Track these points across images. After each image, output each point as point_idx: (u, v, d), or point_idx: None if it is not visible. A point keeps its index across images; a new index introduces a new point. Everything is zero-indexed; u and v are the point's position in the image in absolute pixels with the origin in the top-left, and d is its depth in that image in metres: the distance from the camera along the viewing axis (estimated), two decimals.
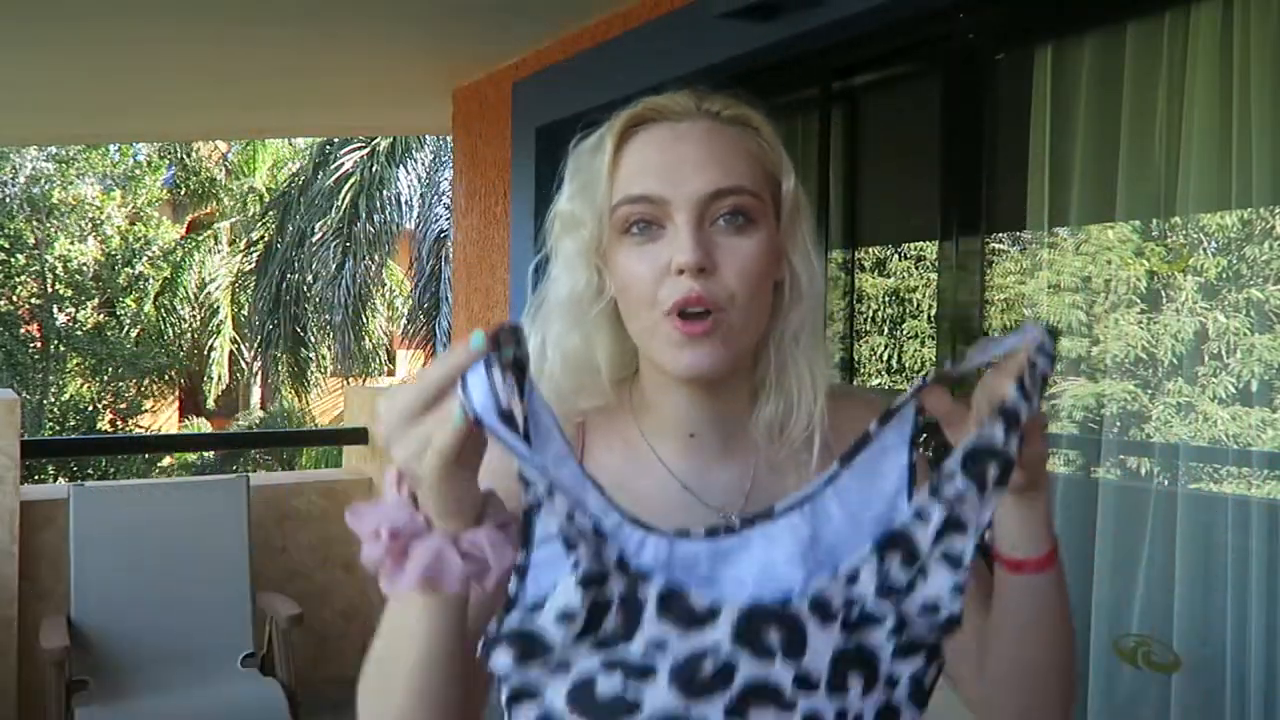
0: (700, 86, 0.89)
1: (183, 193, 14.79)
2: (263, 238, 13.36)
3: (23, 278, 13.12)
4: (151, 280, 13.88)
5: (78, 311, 13.48)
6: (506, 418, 0.62)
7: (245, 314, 13.91)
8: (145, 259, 13.88)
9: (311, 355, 12.99)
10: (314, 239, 12.24)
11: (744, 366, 0.90)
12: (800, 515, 0.73)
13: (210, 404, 14.23)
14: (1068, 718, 0.87)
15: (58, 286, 13.26)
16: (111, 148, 13.68)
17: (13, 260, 13.00)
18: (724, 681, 0.66)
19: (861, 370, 7.60)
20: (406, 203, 12.33)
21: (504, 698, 0.67)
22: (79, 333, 13.26)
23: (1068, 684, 0.86)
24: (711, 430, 0.90)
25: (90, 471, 10.99)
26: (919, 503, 0.70)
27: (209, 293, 13.91)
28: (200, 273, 13.99)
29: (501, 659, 0.65)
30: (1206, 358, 2.40)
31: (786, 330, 0.89)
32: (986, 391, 0.74)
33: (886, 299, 9.89)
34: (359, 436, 4.32)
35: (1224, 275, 2.47)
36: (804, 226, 0.89)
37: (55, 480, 10.33)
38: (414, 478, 0.64)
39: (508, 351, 0.63)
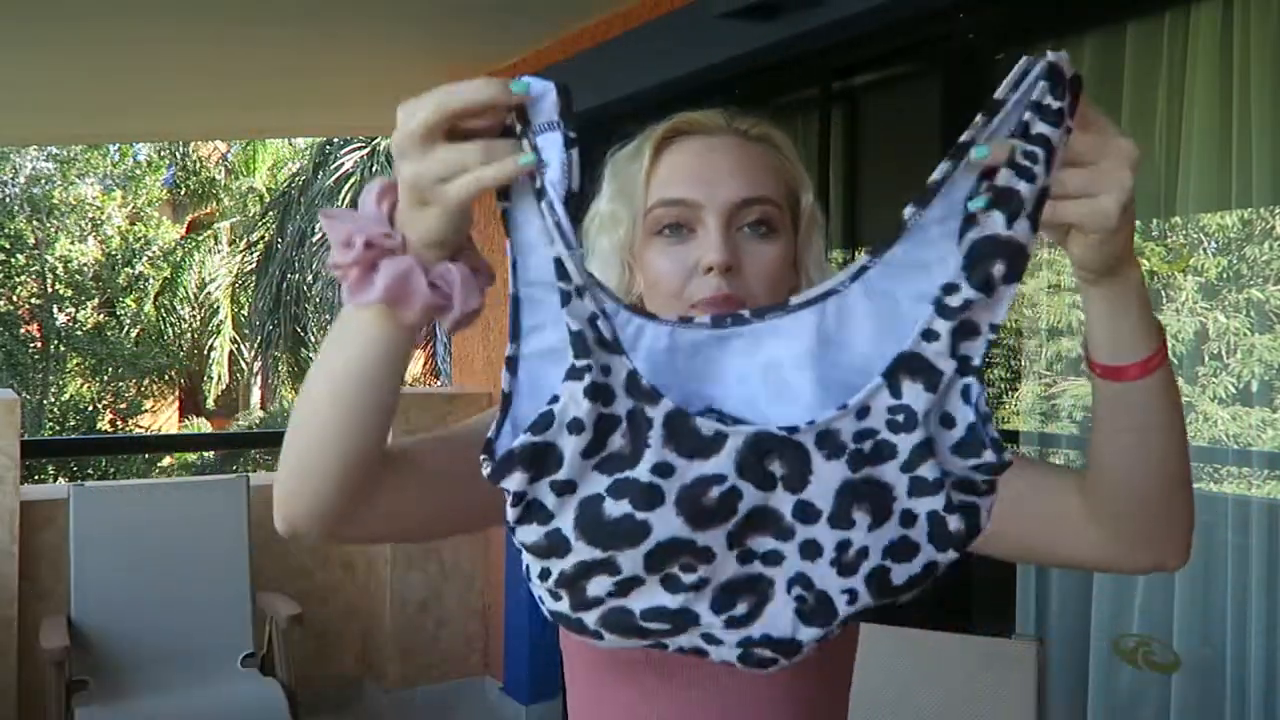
0: (730, 107, 0.96)
1: (183, 193, 14.78)
2: (263, 238, 13.36)
3: (23, 278, 13.11)
4: (151, 280, 13.87)
5: (78, 311, 13.47)
6: (568, 201, 0.61)
7: (245, 314, 13.90)
8: (145, 259, 13.87)
9: (311, 355, 12.97)
10: (314, 239, 12.23)
11: None
12: (816, 312, 0.68)
13: (210, 404, 14.22)
14: (1189, 535, 0.82)
15: (58, 286, 13.26)
16: (111, 148, 13.68)
17: (13, 260, 12.99)
18: (728, 509, 0.64)
19: None
20: None
21: (511, 519, 0.65)
22: (79, 333, 13.26)
23: (1188, 499, 0.81)
24: None
25: (90, 471, 10.98)
26: (924, 323, 0.65)
27: (209, 293, 13.91)
28: (200, 273, 13.99)
29: (515, 474, 0.63)
30: (1206, 358, 2.40)
31: None
32: (1102, 179, 0.64)
33: None
34: None
35: (1224, 275, 2.47)
36: (819, 238, 0.95)
37: (55, 480, 10.32)
38: (425, 196, 0.63)
39: (572, 127, 0.61)
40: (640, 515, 0.63)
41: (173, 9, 3.36)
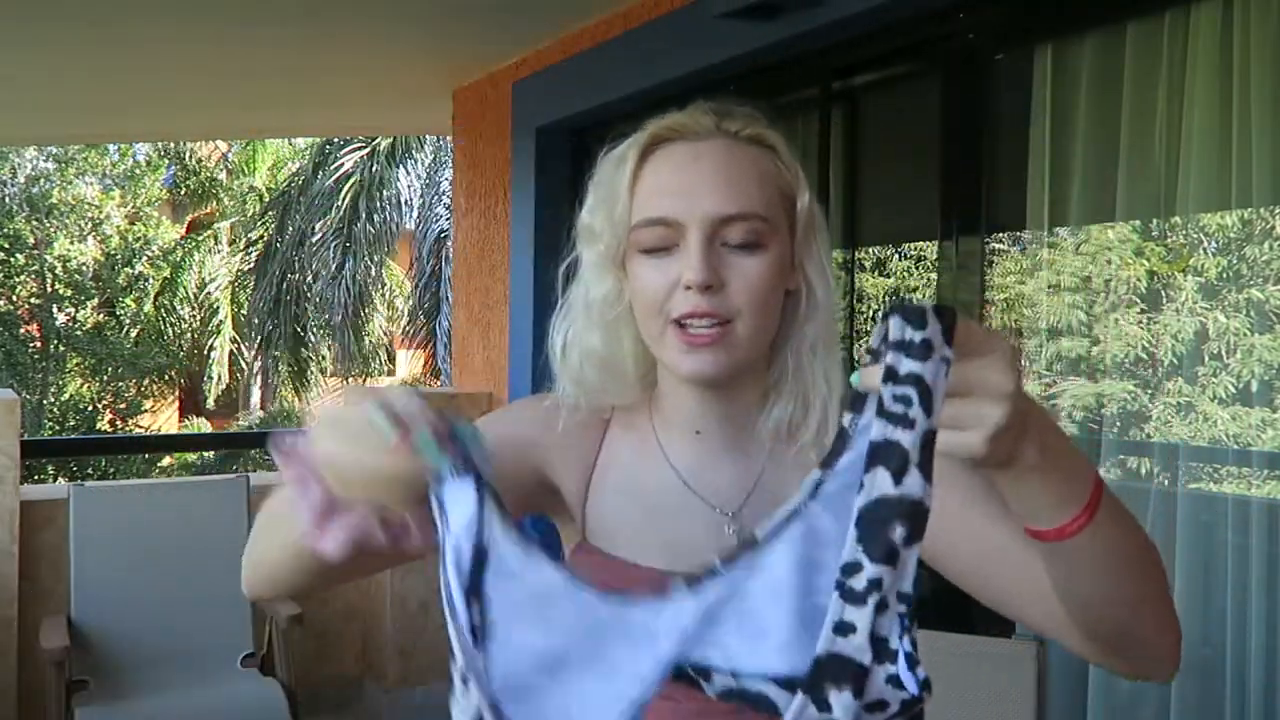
0: (721, 102, 0.92)
1: (183, 193, 14.77)
2: (263, 238, 13.35)
3: (22, 278, 13.11)
4: (151, 280, 13.87)
5: (78, 311, 13.46)
6: (479, 563, 0.57)
7: (245, 314, 13.89)
8: (145, 259, 13.86)
9: (311, 355, 12.98)
10: (314, 239, 12.23)
11: (755, 371, 0.94)
12: (786, 541, 0.62)
13: (210, 404, 14.21)
14: (1175, 648, 0.82)
15: (57, 286, 13.25)
16: (111, 148, 13.67)
17: (13, 260, 12.98)
18: None
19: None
20: (406, 203, 12.32)
21: None
22: (79, 333, 13.25)
23: (1160, 619, 0.79)
24: (718, 429, 0.95)
25: (90, 471, 10.98)
26: (834, 614, 0.57)
27: (209, 293, 13.90)
28: (200, 273, 13.98)
29: None
30: (1206, 358, 2.39)
31: (804, 339, 0.93)
32: (963, 417, 0.61)
33: (887, 299, 9.91)
34: None
35: (1224, 275, 2.47)
36: (819, 241, 0.93)
37: (55, 480, 10.31)
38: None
39: (484, 469, 0.58)
40: None
41: (173, 9, 3.36)
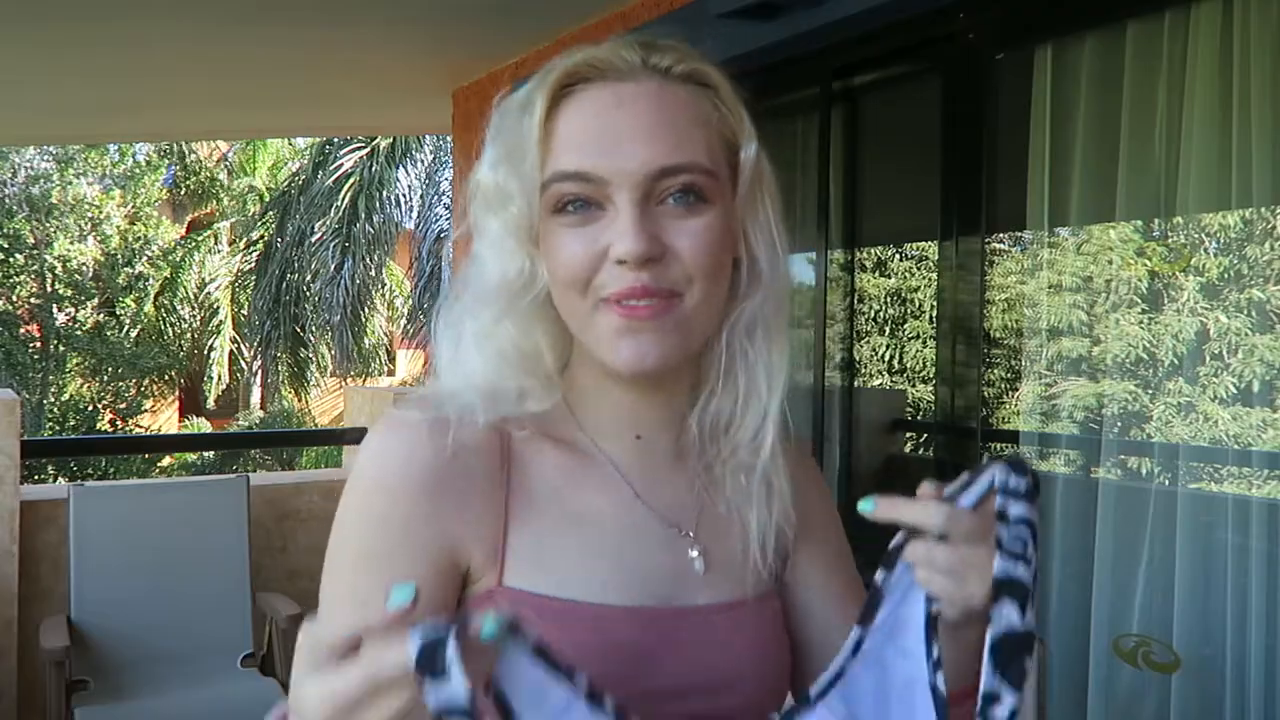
0: (649, 33, 0.79)
1: (183, 193, 14.79)
2: (263, 237, 13.37)
3: (22, 277, 13.12)
4: (151, 280, 13.88)
5: (77, 311, 13.47)
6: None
7: (245, 314, 13.91)
8: (145, 259, 13.88)
9: (311, 355, 13.00)
10: (314, 239, 12.25)
11: (693, 358, 0.80)
12: (836, 698, 0.64)
13: (210, 404, 14.22)
14: None
15: (57, 286, 13.26)
16: (111, 148, 13.68)
17: (12, 260, 12.99)
18: None
19: (862, 370, 7.61)
20: (406, 203, 12.34)
21: None
22: (79, 333, 13.26)
23: None
24: (661, 432, 0.82)
25: (90, 471, 10.98)
26: None
27: (209, 293, 13.92)
28: (200, 273, 14.00)
29: None
30: (1207, 358, 2.40)
31: (740, 318, 0.79)
32: (971, 565, 0.62)
33: (887, 299, 9.90)
34: (359, 436, 4.32)
35: (1225, 275, 2.47)
36: (767, 200, 0.79)
37: (55, 480, 10.32)
38: None
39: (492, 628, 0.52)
40: None
41: (173, 9, 3.36)
